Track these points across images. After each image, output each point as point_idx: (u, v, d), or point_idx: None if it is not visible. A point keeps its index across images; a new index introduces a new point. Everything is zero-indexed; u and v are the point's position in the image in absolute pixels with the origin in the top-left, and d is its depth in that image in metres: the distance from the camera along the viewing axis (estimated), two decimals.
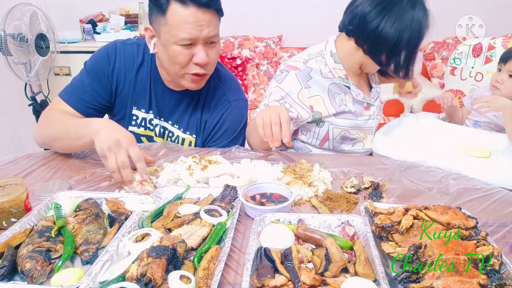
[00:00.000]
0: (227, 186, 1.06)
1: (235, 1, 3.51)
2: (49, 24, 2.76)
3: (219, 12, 1.23)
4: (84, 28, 3.31)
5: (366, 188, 1.14)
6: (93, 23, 3.36)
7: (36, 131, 1.37)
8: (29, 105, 2.87)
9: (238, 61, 3.34)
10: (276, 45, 3.49)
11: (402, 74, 1.40)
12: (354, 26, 1.35)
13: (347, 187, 1.14)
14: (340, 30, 1.44)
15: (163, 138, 1.47)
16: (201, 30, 1.18)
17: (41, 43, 2.69)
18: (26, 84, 2.82)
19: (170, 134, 1.45)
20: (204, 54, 1.22)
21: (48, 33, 2.74)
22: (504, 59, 1.78)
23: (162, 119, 1.44)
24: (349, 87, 1.45)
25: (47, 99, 3.01)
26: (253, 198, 1.03)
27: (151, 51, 1.29)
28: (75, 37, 3.26)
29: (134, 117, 1.43)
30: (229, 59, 3.36)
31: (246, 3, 3.52)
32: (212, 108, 1.42)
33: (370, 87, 1.58)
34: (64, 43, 3.15)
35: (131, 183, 1.10)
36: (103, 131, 1.13)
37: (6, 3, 2.48)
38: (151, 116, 1.43)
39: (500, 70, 1.80)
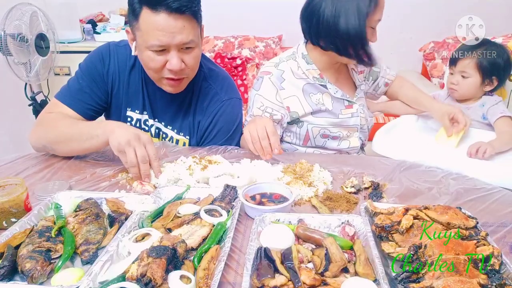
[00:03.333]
0: (227, 186, 1.06)
1: (236, 1, 3.53)
2: (49, 24, 2.76)
3: (196, 16, 1.15)
4: (84, 28, 3.31)
5: (366, 188, 1.14)
6: (93, 23, 3.36)
7: (34, 134, 1.32)
8: (29, 105, 2.86)
9: (238, 61, 3.33)
10: (276, 45, 3.48)
11: (359, 60, 1.38)
12: (306, 27, 1.42)
13: (347, 187, 1.14)
14: (304, 36, 1.47)
15: (159, 139, 1.46)
16: (173, 37, 1.12)
17: (41, 43, 2.68)
18: (26, 84, 2.81)
19: (164, 136, 1.45)
20: (177, 61, 1.17)
21: (48, 33, 2.73)
22: (453, 62, 1.77)
23: (156, 120, 1.43)
24: (325, 86, 1.46)
25: (47, 99, 3.00)
26: (253, 198, 1.03)
27: (132, 53, 1.26)
28: (75, 37, 3.26)
29: (129, 119, 1.42)
30: (229, 59, 3.35)
31: (246, 3, 3.52)
32: (205, 109, 1.41)
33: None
34: (64, 43, 3.14)
35: (148, 178, 1.12)
36: (119, 129, 1.14)
37: (6, 3, 2.48)
38: (146, 117, 1.42)
39: (452, 73, 1.78)
